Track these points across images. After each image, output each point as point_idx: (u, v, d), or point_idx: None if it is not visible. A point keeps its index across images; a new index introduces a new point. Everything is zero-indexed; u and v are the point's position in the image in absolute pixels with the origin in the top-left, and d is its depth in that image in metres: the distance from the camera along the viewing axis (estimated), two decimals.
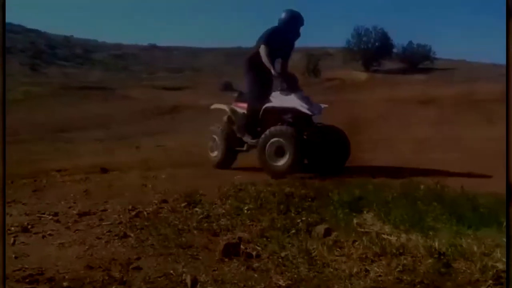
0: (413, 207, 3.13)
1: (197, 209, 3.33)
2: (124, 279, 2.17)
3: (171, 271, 2.25)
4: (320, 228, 2.75)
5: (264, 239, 2.71)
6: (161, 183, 4.29)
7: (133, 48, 33.43)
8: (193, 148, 7.34)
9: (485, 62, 25.49)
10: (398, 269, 2.22)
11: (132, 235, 2.81)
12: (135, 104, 15.74)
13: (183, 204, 3.42)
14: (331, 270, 2.26)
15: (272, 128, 4.57)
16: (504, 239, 2.47)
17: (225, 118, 5.31)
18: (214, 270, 2.28)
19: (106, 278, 2.17)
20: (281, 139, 4.47)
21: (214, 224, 2.99)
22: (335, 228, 2.80)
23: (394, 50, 26.57)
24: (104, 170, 5.16)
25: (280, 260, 2.40)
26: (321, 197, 3.55)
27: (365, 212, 3.14)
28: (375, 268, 2.25)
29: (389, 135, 8.72)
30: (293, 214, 3.11)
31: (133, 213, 3.24)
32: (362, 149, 6.13)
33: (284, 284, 2.11)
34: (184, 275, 2.19)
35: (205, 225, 2.97)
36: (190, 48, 34.07)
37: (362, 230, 2.79)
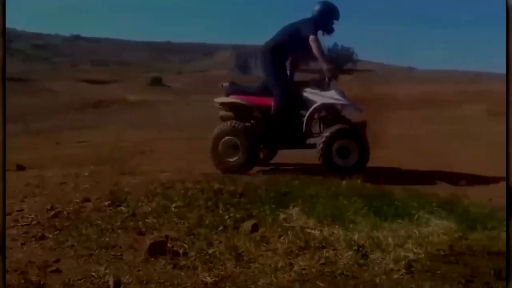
0: (336, 202, 3.28)
1: (122, 207, 3.22)
2: (42, 282, 2.06)
3: (93, 273, 2.17)
4: (248, 224, 2.79)
5: (192, 236, 2.70)
6: (83, 181, 4.09)
7: (55, 39, 31.55)
8: (120, 144, 7.12)
9: (402, 65, 27.26)
10: (320, 262, 2.32)
11: (50, 236, 2.67)
12: (57, 97, 14.88)
13: (106, 203, 3.29)
14: (258, 265, 2.30)
15: (338, 127, 4.44)
16: (415, 231, 2.69)
17: (227, 113, 4.74)
18: (139, 270, 2.23)
19: (23, 282, 2.05)
20: (348, 140, 4.42)
21: (140, 223, 2.92)
22: (262, 223, 2.86)
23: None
24: (20, 168, 4.82)
25: (207, 257, 2.40)
26: (249, 193, 3.60)
27: (291, 207, 3.23)
28: (299, 261, 2.33)
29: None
30: (221, 211, 3.12)
31: (52, 213, 3.07)
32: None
33: (211, 281, 2.11)
34: (106, 276, 2.12)
35: (130, 224, 2.89)
36: (116, 40, 32.84)
37: (288, 225, 2.87)
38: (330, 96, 4.57)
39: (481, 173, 4.73)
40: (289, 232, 2.68)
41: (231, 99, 4.71)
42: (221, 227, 2.80)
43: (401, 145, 6.82)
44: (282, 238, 2.61)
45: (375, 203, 3.24)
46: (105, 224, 2.87)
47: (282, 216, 3.02)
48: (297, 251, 2.45)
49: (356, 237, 2.56)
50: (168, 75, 21.83)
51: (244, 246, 2.49)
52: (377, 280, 2.13)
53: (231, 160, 4.55)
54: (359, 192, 3.59)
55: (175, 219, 3.00)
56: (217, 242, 2.58)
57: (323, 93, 4.59)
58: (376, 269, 2.25)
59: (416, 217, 2.97)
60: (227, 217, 2.98)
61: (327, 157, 4.40)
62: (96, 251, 2.45)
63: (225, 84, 4.83)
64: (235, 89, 4.79)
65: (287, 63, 4.90)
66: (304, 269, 2.25)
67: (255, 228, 2.75)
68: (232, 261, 2.33)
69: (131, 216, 3.04)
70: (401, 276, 2.17)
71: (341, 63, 26.94)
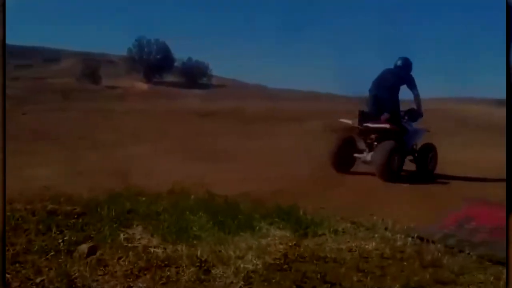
0: (182, 218, 3.26)
1: None
2: None
3: None
4: (84, 247, 2.59)
5: (17, 265, 2.39)
6: None
7: None
8: None
9: (253, 82, 28.79)
10: (161, 282, 2.26)
11: None
12: None
13: None
14: None
15: (427, 143, 6.18)
16: (256, 242, 2.82)
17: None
18: None
19: None
20: (433, 152, 6.15)
21: None
22: (101, 245, 2.68)
23: (176, 64, 27.49)
24: None
25: (34, 286, 2.15)
26: (90, 212, 3.36)
27: (134, 226, 3.12)
28: (139, 283, 2.24)
29: (169, 145, 8.95)
30: (54, 234, 2.84)
31: None
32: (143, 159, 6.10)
33: None
34: None
35: None
36: None
37: (130, 245, 2.75)
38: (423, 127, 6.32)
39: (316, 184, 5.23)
40: (130, 252, 2.56)
41: (384, 124, 5.73)
42: (52, 252, 2.54)
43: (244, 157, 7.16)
44: (121, 259, 2.48)
45: (220, 217, 3.32)
46: None
47: (123, 236, 2.87)
48: (137, 272, 2.35)
49: (199, 252, 2.57)
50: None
51: (78, 271, 2.29)
52: None
53: (397, 169, 5.63)
54: (206, 206, 3.64)
55: None
56: (47, 269, 2.33)
57: (412, 123, 6.11)
58: (217, 283, 2.29)
59: (257, 228, 3.12)
60: (60, 240, 2.71)
61: (424, 164, 6.05)
62: None
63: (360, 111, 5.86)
64: (366, 116, 5.84)
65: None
66: None
67: (92, 251, 2.56)
68: None
69: None
70: None
71: (195, 76, 27.35)
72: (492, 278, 2.39)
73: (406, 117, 6.05)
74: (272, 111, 17.31)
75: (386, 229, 3.29)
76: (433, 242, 2.99)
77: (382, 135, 5.74)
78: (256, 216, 3.42)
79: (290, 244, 2.82)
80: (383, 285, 2.27)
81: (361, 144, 5.95)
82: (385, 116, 5.74)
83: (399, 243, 2.95)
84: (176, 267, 2.43)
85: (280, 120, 15.30)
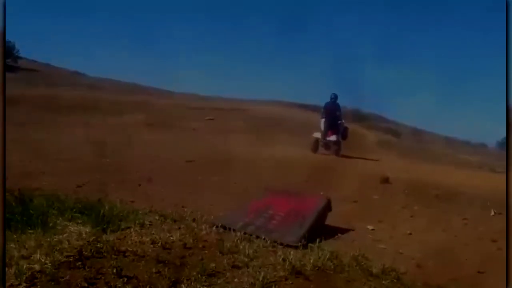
0: None
1: None
2: None
3: None
4: None
5: None
6: None
7: None
8: None
9: (68, 68, 26.46)
10: None
11: None
12: None
13: None
14: None
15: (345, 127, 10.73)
16: (47, 240, 2.54)
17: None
18: None
19: None
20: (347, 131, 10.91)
21: None
22: None
23: None
24: None
25: None
26: None
27: None
28: None
29: None
30: None
31: None
32: None
33: None
34: None
35: None
36: None
37: None
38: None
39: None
40: None
41: (334, 138, 10.21)
42: None
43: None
44: None
45: (7, 214, 2.89)
46: None
47: None
48: None
49: None
50: None
51: None
52: None
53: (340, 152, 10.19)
54: None
55: None
56: None
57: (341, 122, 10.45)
58: None
59: (51, 225, 2.82)
60: None
61: (344, 136, 10.48)
62: None
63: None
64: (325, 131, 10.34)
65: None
66: None
67: None
68: None
69: None
70: None
71: None
72: (280, 259, 2.62)
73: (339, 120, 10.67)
74: (90, 101, 16.15)
75: (194, 220, 3.35)
76: (234, 230, 3.16)
77: (334, 140, 10.23)
78: (53, 212, 3.09)
79: (89, 239, 2.61)
80: (181, 274, 2.27)
81: (322, 143, 10.33)
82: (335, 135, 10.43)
83: (203, 232, 3.02)
84: None
85: (97, 111, 14.38)
